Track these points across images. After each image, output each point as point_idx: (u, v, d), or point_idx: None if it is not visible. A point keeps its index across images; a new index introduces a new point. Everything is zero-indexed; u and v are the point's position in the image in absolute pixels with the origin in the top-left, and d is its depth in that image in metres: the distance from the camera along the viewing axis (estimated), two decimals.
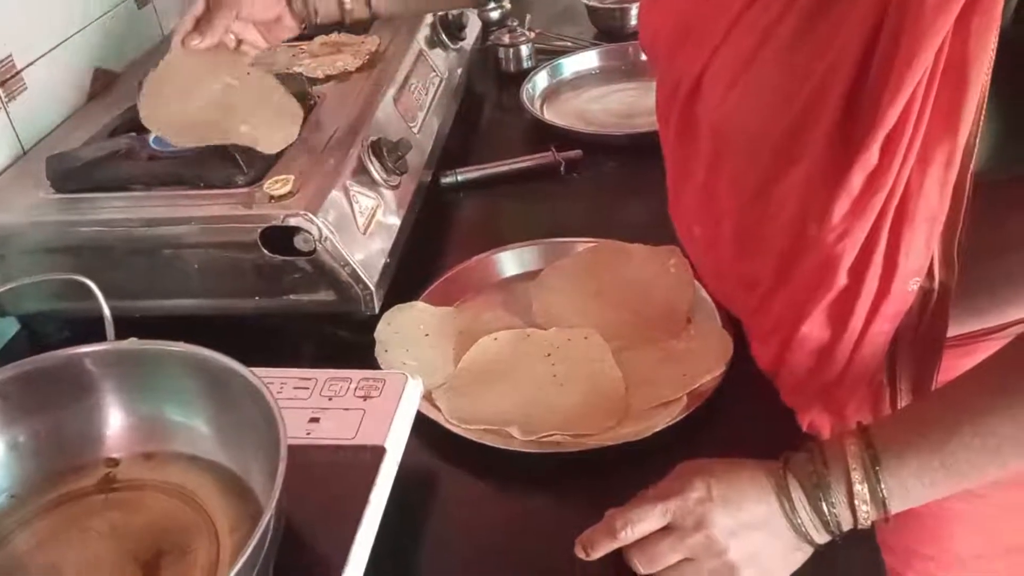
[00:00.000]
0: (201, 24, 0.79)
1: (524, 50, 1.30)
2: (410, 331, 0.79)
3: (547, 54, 1.32)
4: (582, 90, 1.25)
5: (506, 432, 0.68)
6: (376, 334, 0.77)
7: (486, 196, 1.04)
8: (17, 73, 0.90)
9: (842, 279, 0.56)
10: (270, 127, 0.78)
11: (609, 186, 1.04)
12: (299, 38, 1.04)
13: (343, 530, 0.54)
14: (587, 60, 1.29)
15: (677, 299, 0.79)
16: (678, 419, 0.67)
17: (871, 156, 0.50)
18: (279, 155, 0.80)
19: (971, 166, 0.50)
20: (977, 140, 0.50)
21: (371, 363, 0.75)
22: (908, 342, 0.59)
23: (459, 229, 0.99)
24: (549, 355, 0.76)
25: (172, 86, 0.79)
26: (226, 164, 0.77)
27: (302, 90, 0.89)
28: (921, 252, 0.54)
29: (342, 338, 0.81)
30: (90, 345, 0.58)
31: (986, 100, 0.48)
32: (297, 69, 0.96)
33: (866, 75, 0.50)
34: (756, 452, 0.59)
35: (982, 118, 0.49)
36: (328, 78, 0.96)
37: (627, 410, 0.69)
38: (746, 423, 0.69)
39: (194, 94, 0.78)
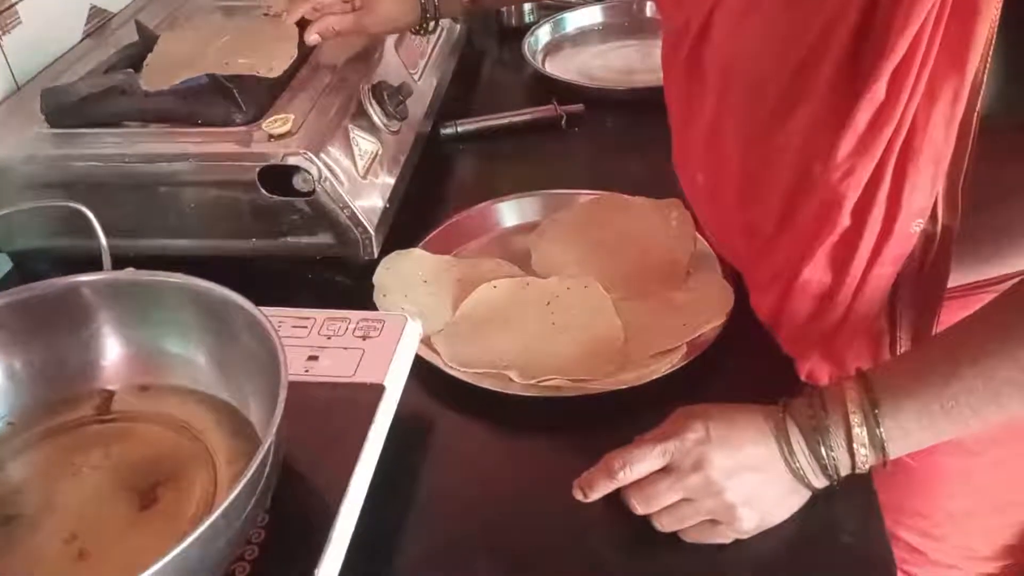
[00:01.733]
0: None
1: (526, 4, 1.28)
2: (409, 277, 0.78)
3: (550, 9, 1.30)
4: (584, 46, 1.24)
5: (505, 376, 0.68)
6: (375, 278, 0.77)
7: (486, 148, 1.03)
8: (11, 6, 0.88)
9: (845, 220, 0.56)
10: (268, 55, 0.77)
11: (610, 141, 1.03)
12: None
13: (341, 465, 0.54)
14: (590, 16, 1.28)
15: (678, 251, 0.79)
16: (677, 367, 0.67)
17: (878, 90, 0.50)
18: (278, 94, 0.79)
19: (977, 105, 0.50)
20: (984, 79, 0.49)
21: (369, 308, 0.75)
22: (909, 287, 0.59)
23: (459, 180, 0.98)
24: (548, 303, 0.75)
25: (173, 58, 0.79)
26: (224, 101, 0.76)
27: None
28: (926, 192, 0.54)
29: (340, 283, 0.81)
30: (88, 274, 0.57)
31: (995, 38, 0.48)
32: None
33: (875, 9, 0.50)
34: (755, 401, 0.58)
35: (990, 56, 0.48)
36: None
37: (626, 358, 0.69)
38: (745, 373, 0.69)
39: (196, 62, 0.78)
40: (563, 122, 1.03)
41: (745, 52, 0.56)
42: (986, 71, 0.49)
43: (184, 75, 0.78)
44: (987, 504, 0.80)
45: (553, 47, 1.23)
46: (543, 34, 1.23)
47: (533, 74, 1.16)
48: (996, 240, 0.62)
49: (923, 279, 0.58)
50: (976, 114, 0.51)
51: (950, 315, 0.59)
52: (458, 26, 1.12)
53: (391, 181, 0.82)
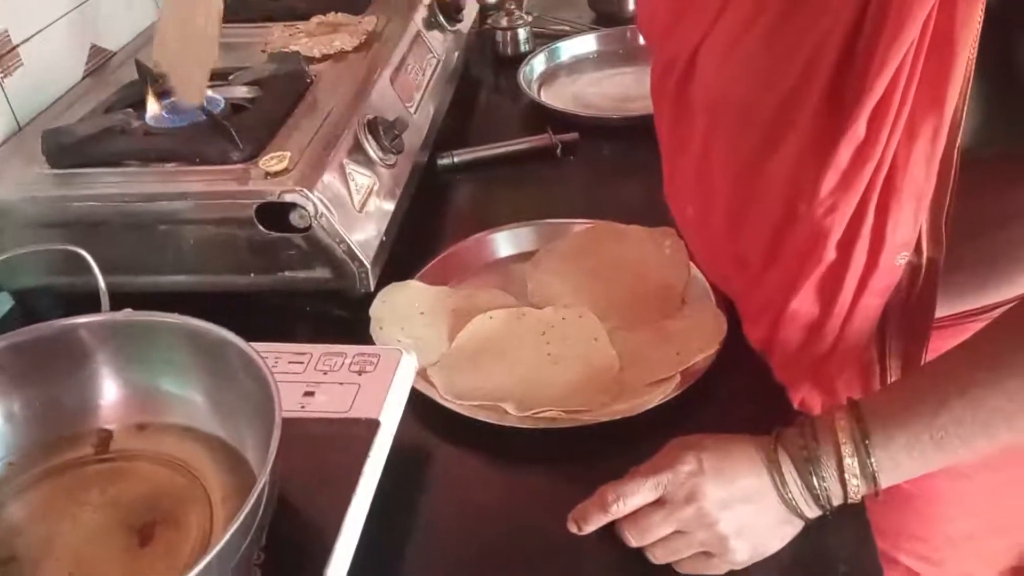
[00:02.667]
0: None
1: (521, 33, 1.30)
2: (405, 309, 0.79)
3: (545, 38, 1.31)
4: (579, 74, 1.25)
5: (501, 408, 0.68)
6: (371, 311, 0.78)
7: (482, 178, 1.04)
8: (13, 48, 0.89)
9: (831, 253, 0.56)
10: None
11: (605, 169, 1.04)
12: (295, 17, 1.04)
13: (337, 501, 0.55)
14: (584, 44, 1.29)
15: (672, 279, 0.80)
16: (671, 396, 0.67)
17: (858, 129, 0.51)
18: (275, 131, 0.80)
19: (957, 141, 0.51)
20: (964, 115, 0.50)
21: (366, 340, 0.75)
22: (897, 318, 0.60)
23: (455, 210, 0.99)
24: (544, 333, 0.76)
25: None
26: (222, 140, 0.77)
27: (298, 68, 0.89)
28: (909, 226, 0.54)
29: (337, 316, 0.81)
30: (85, 316, 0.58)
31: (972, 75, 0.49)
32: (293, 48, 0.95)
33: (854, 48, 0.50)
34: (749, 430, 0.59)
35: (968, 93, 0.49)
36: (324, 57, 0.95)
37: (621, 388, 0.70)
38: (739, 401, 0.69)
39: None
40: (558, 151, 1.04)
41: (729, 89, 0.57)
42: (965, 108, 0.50)
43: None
44: (985, 527, 0.80)
45: (548, 76, 1.25)
46: (538, 63, 1.25)
47: (529, 103, 1.17)
48: (981, 270, 0.63)
49: (910, 310, 0.59)
50: (957, 150, 0.51)
51: (940, 344, 0.59)
52: (455, 56, 1.14)
53: (387, 213, 0.82)
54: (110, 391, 0.59)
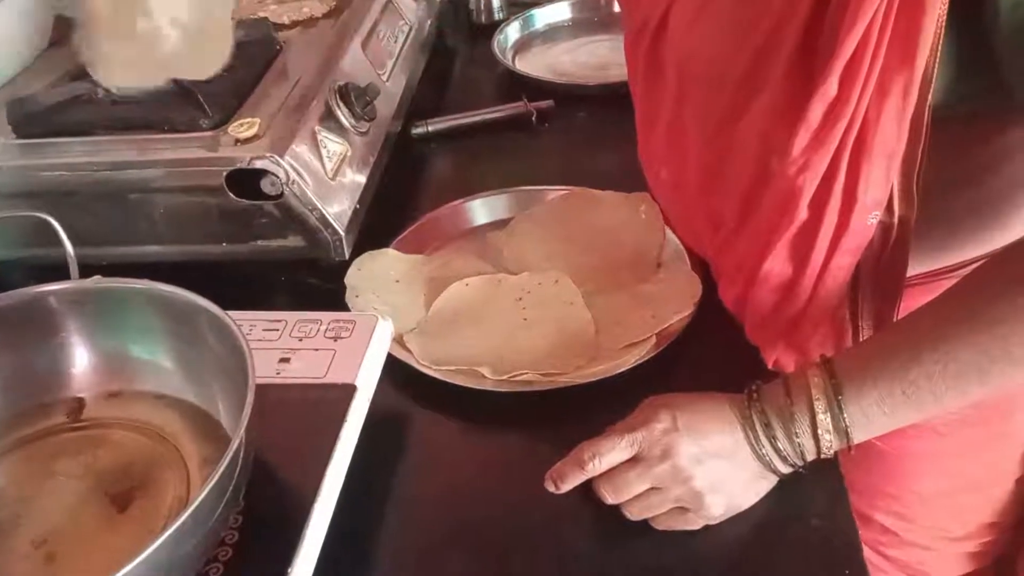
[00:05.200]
0: None
1: (495, 1, 1.29)
2: (380, 277, 0.78)
3: (519, 6, 1.30)
4: (554, 42, 1.24)
5: (477, 372, 0.68)
6: (346, 279, 0.77)
7: (457, 147, 1.03)
8: None
9: (803, 213, 0.57)
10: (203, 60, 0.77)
11: (581, 136, 1.03)
12: None
13: (315, 466, 0.55)
14: (559, 12, 1.29)
15: (647, 244, 0.80)
16: (647, 358, 0.68)
17: (830, 87, 0.51)
18: (244, 97, 0.79)
19: (928, 98, 0.51)
20: (935, 72, 0.50)
21: (341, 309, 0.75)
22: (869, 277, 0.60)
23: (430, 179, 0.99)
24: (520, 299, 0.76)
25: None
26: (190, 107, 0.76)
27: (267, 35, 0.87)
28: (880, 185, 0.54)
29: (312, 285, 0.81)
30: (54, 284, 0.57)
31: (943, 32, 0.49)
32: (262, 15, 0.94)
33: (825, 5, 0.51)
34: (723, 390, 0.59)
35: (939, 50, 0.49)
36: (294, 24, 0.94)
37: (597, 350, 0.70)
38: (714, 362, 0.70)
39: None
40: (533, 119, 1.03)
41: (700, 48, 0.57)
42: (936, 65, 0.50)
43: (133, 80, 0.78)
44: (958, 484, 0.81)
45: (523, 44, 1.24)
46: (512, 31, 1.24)
47: (503, 71, 1.16)
48: (951, 228, 0.64)
49: (882, 269, 0.60)
50: (928, 108, 0.51)
51: (911, 303, 0.60)
52: (428, 24, 1.12)
53: (361, 182, 0.82)
54: (81, 359, 0.58)
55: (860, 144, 0.53)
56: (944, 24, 0.49)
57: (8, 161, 0.76)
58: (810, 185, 0.55)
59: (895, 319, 0.62)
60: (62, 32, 0.99)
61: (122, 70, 0.78)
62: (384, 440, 0.65)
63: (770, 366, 0.66)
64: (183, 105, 0.76)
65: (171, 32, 0.78)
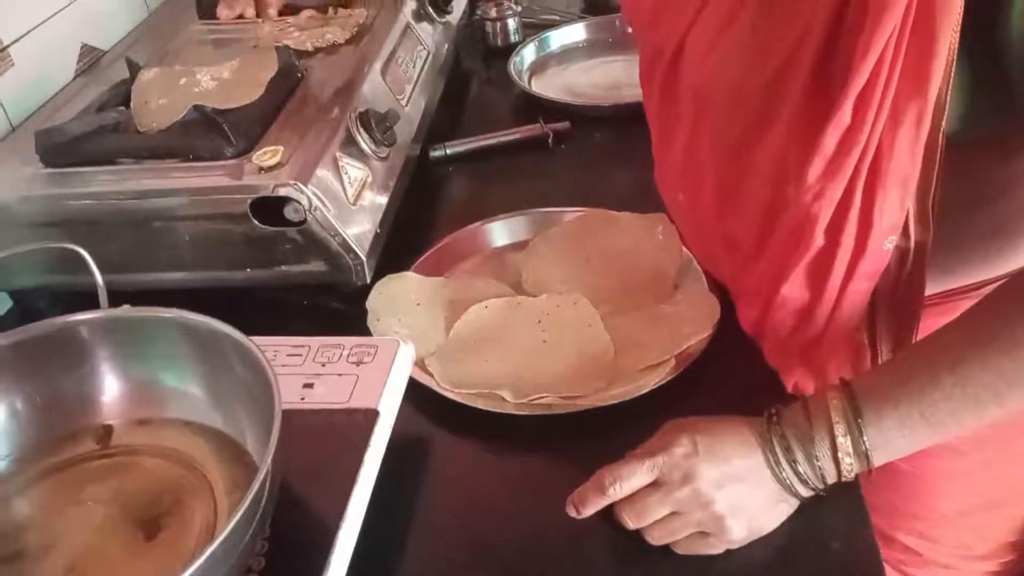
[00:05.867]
0: None
1: (511, 24, 1.30)
2: (402, 300, 0.79)
3: (534, 28, 1.31)
4: (569, 63, 1.25)
5: (498, 396, 0.69)
6: (368, 303, 0.78)
7: (475, 169, 1.04)
8: (4, 49, 0.90)
9: (819, 239, 0.57)
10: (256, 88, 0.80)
11: (597, 157, 1.04)
12: (283, 12, 1.05)
13: (339, 490, 0.56)
14: (574, 33, 1.29)
15: (664, 264, 0.80)
16: (666, 380, 0.68)
17: (844, 115, 0.51)
18: (268, 126, 0.80)
19: (942, 125, 0.51)
20: (947, 99, 0.50)
21: (363, 333, 0.76)
22: (886, 301, 0.60)
23: (449, 202, 1.00)
24: (539, 321, 0.77)
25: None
26: (215, 135, 0.77)
27: (289, 63, 0.89)
28: (895, 211, 0.55)
29: (334, 309, 0.82)
30: (85, 313, 0.58)
31: (955, 60, 0.49)
32: (286, 42, 0.96)
33: (838, 34, 0.51)
34: (743, 412, 0.60)
35: (951, 77, 0.50)
36: (317, 50, 0.96)
37: (616, 372, 0.70)
38: (733, 384, 0.70)
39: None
40: (550, 140, 1.04)
41: (716, 75, 0.58)
42: (948, 92, 0.50)
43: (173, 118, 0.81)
44: (979, 503, 0.81)
45: (539, 65, 1.25)
46: (528, 53, 1.25)
47: (520, 93, 1.17)
48: (969, 249, 0.64)
49: (899, 293, 0.60)
50: (941, 134, 0.52)
51: (930, 322, 0.60)
52: (445, 48, 1.14)
53: (381, 206, 0.83)
54: (111, 387, 0.59)
55: (875, 171, 0.54)
56: (956, 52, 0.49)
57: (36, 190, 0.78)
58: (826, 212, 0.56)
59: (913, 341, 0.62)
60: (88, 62, 1.01)
61: (157, 113, 0.80)
62: (406, 462, 0.66)
63: (789, 389, 0.67)
64: (208, 134, 0.78)
65: (210, 84, 0.81)
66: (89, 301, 0.63)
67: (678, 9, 0.61)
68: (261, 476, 0.46)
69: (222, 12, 1.03)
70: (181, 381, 0.58)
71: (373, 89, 0.90)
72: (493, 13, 1.30)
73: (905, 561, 0.84)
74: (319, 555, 0.52)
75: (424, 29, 1.10)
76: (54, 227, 0.77)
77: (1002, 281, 0.56)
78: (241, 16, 1.04)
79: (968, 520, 0.82)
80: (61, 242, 0.65)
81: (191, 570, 0.41)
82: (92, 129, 0.81)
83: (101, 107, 0.87)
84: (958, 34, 0.48)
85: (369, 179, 0.82)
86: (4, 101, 0.89)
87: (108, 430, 0.59)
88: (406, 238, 0.87)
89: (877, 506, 0.61)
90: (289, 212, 0.73)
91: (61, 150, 0.79)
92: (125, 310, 0.58)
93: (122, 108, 0.85)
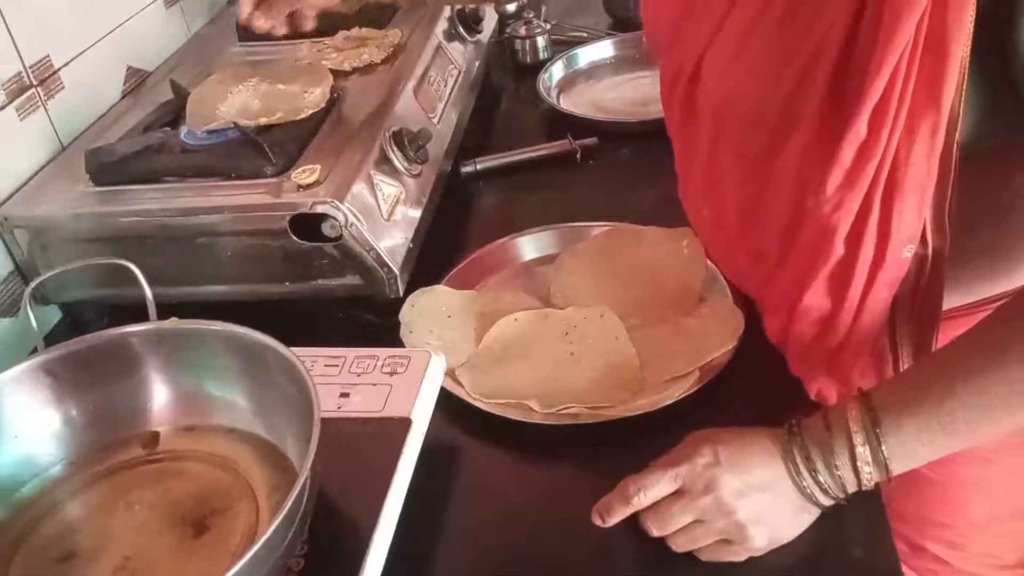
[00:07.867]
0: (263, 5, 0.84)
1: (540, 41, 1.32)
2: (433, 313, 0.82)
3: (563, 45, 1.34)
4: (597, 79, 1.27)
5: (526, 406, 0.71)
6: (401, 316, 0.81)
7: (505, 184, 1.06)
8: (55, 72, 0.94)
9: (839, 249, 0.58)
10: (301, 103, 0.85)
11: (624, 172, 1.06)
12: (319, 33, 1.08)
13: (373, 496, 0.58)
14: (602, 50, 1.32)
15: (690, 278, 0.82)
16: (690, 392, 0.70)
17: (860, 128, 0.53)
18: (305, 145, 0.84)
19: (956, 136, 0.53)
20: (961, 111, 0.52)
21: (397, 344, 0.78)
22: (907, 308, 0.62)
23: (479, 216, 1.02)
24: (567, 334, 0.79)
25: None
26: (255, 155, 0.80)
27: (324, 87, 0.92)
28: (913, 220, 0.56)
29: (368, 321, 0.85)
30: (134, 325, 0.62)
31: (967, 72, 0.51)
32: (324, 63, 0.99)
33: (853, 51, 0.53)
34: (767, 423, 0.61)
35: (964, 89, 0.51)
36: (355, 70, 0.99)
37: (642, 384, 0.72)
38: (757, 397, 0.71)
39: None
40: (578, 156, 1.07)
41: (735, 92, 0.59)
42: (962, 104, 0.52)
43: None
44: (1007, 510, 0.81)
45: (567, 82, 1.27)
46: (557, 70, 1.27)
47: (548, 109, 1.20)
48: (988, 259, 0.65)
49: (919, 300, 0.61)
50: (956, 145, 0.53)
51: (952, 335, 0.61)
52: (476, 66, 1.17)
53: (414, 221, 0.86)
54: (159, 395, 0.62)
55: (892, 181, 0.55)
56: (968, 65, 0.51)
57: (87, 208, 0.82)
58: (845, 222, 0.57)
59: (934, 348, 0.64)
60: (134, 83, 1.06)
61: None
62: (437, 470, 0.68)
63: (813, 397, 0.68)
64: (249, 153, 0.81)
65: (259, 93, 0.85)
66: (135, 312, 0.66)
67: (695, 29, 0.62)
68: (301, 481, 0.48)
69: (256, 21, 0.94)
70: (225, 390, 0.61)
71: (406, 108, 0.93)
72: (523, 31, 1.32)
73: (934, 570, 0.85)
74: (355, 557, 0.55)
75: (455, 48, 1.13)
76: (102, 242, 0.81)
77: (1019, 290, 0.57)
78: (271, 32, 1.05)
79: (996, 528, 0.82)
80: (109, 257, 0.69)
81: (236, 568, 0.44)
82: (139, 149, 0.85)
83: (147, 127, 0.91)
84: (969, 48, 0.50)
85: (402, 195, 0.85)
86: (55, 122, 0.93)
87: (155, 436, 0.62)
88: (438, 252, 0.89)
89: (905, 515, 0.62)
90: (326, 228, 0.76)
91: (110, 169, 0.83)
92: (173, 322, 0.62)
93: (167, 128, 0.89)
